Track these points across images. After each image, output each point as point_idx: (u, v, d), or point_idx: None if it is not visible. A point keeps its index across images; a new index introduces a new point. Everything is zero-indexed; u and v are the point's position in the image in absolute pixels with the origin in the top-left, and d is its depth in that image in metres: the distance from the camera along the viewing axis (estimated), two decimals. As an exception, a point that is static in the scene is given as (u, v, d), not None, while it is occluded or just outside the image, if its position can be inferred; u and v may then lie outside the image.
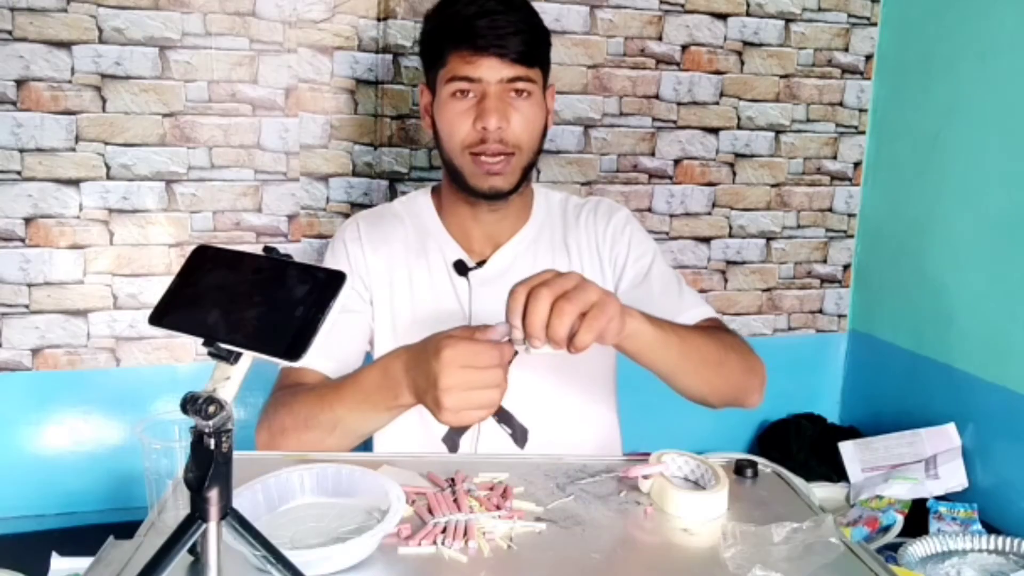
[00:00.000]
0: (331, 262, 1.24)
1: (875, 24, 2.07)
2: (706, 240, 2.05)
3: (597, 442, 1.25)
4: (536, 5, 1.80)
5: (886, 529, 1.62)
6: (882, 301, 2.10)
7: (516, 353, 0.90)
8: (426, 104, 1.21)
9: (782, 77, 2.03)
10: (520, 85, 1.12)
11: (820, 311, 2.18)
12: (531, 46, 1.13)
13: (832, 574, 0.77)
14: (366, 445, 1.76)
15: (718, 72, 1.98)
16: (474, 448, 1.19)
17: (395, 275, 1.22)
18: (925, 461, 1.78)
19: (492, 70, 1.10)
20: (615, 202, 1.34)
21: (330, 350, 1.14)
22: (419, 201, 1.29)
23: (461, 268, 1.22)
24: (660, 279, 1.26)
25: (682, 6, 1.92)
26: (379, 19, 1.73)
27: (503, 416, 1.19)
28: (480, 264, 1.22)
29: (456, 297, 1.21)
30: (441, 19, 1.14)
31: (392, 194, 1.75)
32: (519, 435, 1.20)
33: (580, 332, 0.85)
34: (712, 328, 1.16)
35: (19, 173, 1.57)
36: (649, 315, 0.98)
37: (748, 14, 1.97)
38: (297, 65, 1.70)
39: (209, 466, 0.52)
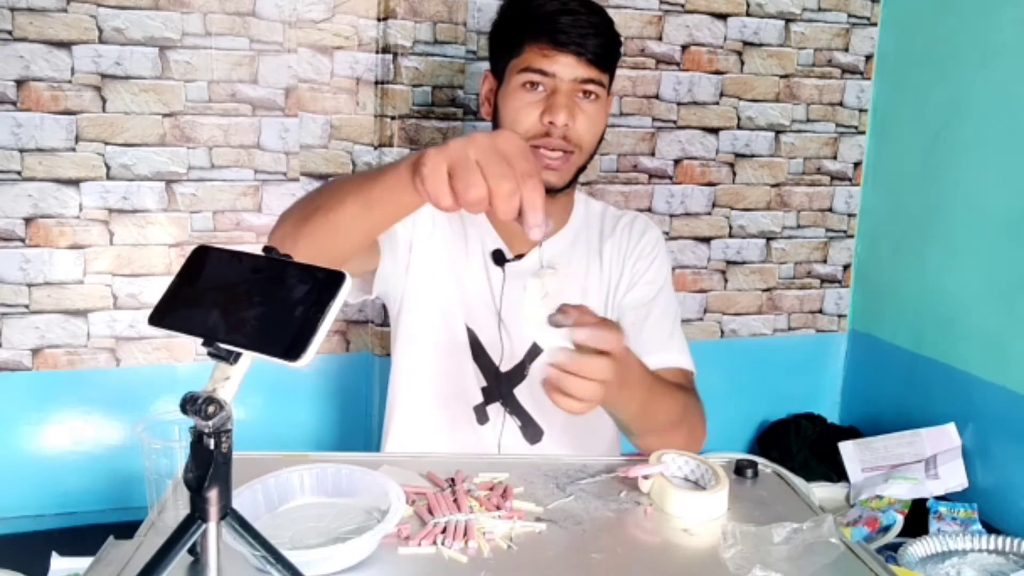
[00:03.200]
0: None
1: (875, 24, 2.07)
2: (706, 240, 2.05)
3: (603, 451, 1.27)
4: (536, 5, 1.81)
5: (886, 529, 1.62)
6: (882, 301, 2.10)
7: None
8: (488, 91, 1.22)
9: (782, 77, 2.03)
10: (590, 87, 1.13)
11: (820, 311, 2.18)
12: (607, 49, 1.14)
13: (832, 574, 0.77)
14: (365, 443, 1.76)
15: (718, 72, 1.98)
16: (500, 429, 1.21)
17: (435, 249, 1.22)
18: (925, 461, 1.78)
19: (568, 68, 1.11)
20: (651, 221, 1.35)
21: None
22: None
23: (499, 258, 1.22)
24: (660, 312, 1.27)
25: (682, 6, 1.92)
26: (379, 19, 1.73)
27: (515, 408, 1.20)
28: (518, 257, 1.23)
29: (489, 285, 1.22)
30: (521, 10, 1.15)
31: (392, 194, 1.75)
32: (531, 432, 1.21)
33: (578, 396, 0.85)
34: (680, 391, 1.14)
35: (19, 173, 1.57)
36: (635, 379, 0.97)
37: (748, 14, 1.97)
38: (297, 65, 1.70)
39: (209, 466, 0.52)
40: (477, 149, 0.73)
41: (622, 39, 1.19)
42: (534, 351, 1.21)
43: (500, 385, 1.21)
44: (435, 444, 1.19)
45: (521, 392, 1.21)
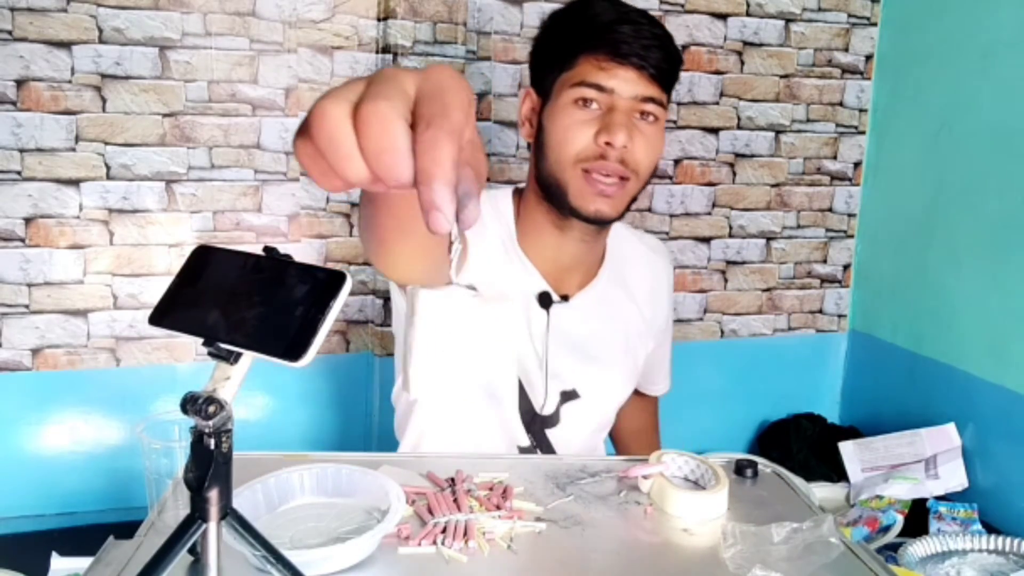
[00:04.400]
0: None
1: (875, 24, 2.07)
2: (706, 240, 2.05)
3: None
4: (536, 5, 1.82)
5: (886, 529, 1.62)
6: (882, 301, 2.10)
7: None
8: (529, 110, 1.11)
9: (782, 77, 2.03)
10: (650, 107, 1.03)
11: (820, 311, 2.18)
12: (670, 64, 1.04)
13: (832, 574, 0.77)
14: (365, 443, 1.76)
15: (718, 72, 1.98)
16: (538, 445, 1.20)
17: (487, 272, 1.10)
18: (925, 461, 1.78)
19: (628, 83, 1.01)
20: (665, 249, 1.33)
21: None
22: (501, 204, 1.15)
23: (545, 300, 1.12)
24: (667, 344, 1.35)
25: (682, 6, 1.92)
26: (379, 19, 1.73)
27: (547, 449, 1.19)
28: (564, 298, 1.14)
29: (529, 326, 1.13)
30: (573, 21, 1.05)
31: (392, 194, 1.75)
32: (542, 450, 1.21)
33: None
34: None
35: (19, 173, 1.57)
36: None
37: (748, 14, 1.97)
38: (297, 65, 1.70)
39: (209, 466, 0.52)
40: (381, 74, 0.44)
41: (683, 57, 1.09)
42: (571, 395, 1.19)
43: (534, 425, 1.18)
44: None
45: (553, 434, 1.19)
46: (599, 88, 1.01)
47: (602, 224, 1.09)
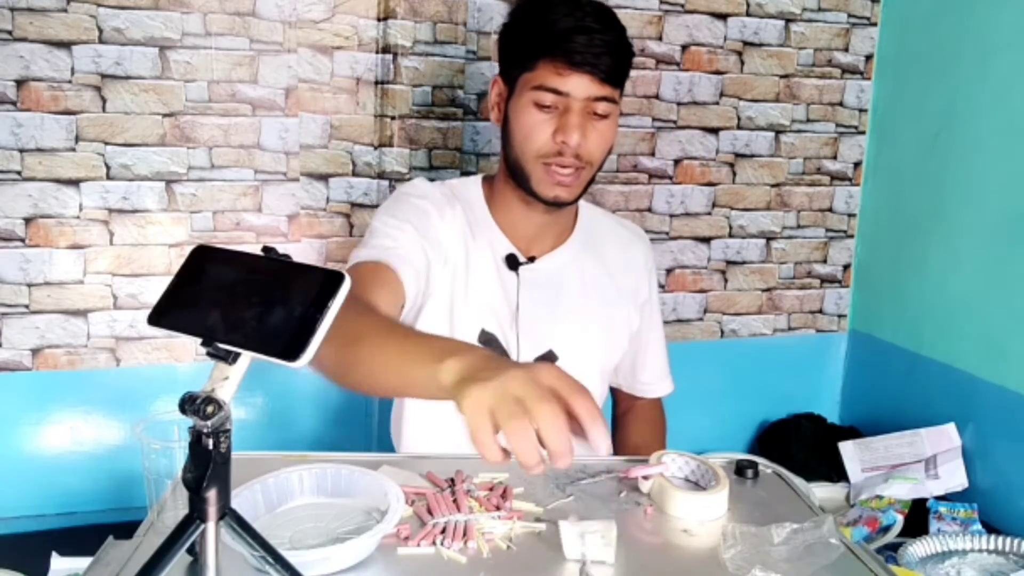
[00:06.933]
0: (405, 212, 1.21)
1: (875, 24, 2.07)
2: (706, 240, 2.04)
3: None
4: (536, 5, 1.81)
5: (886, 529, 1.62)
6: (882, 301, 2.10)
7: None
8: (497, 96, 1.23)
9: (782, 77, 2.03)
10: (602, 106, 1.15)
11: (820, 311, 2.18)
12: (620, 66, 1.16)
13: (832, 575, 0.77)
14: (365, 443, 1.76)
15: (718, 72, 1.98)
16: None
17: (454, 255, 1.23)
18: (925, 461, 1.78)
19: (581, 87, 1.13)
20: (644, 235, 1.42)
21: (405, 253, 1.16)
22: (471, 189, 1.30)
23: (512, 262, 1.25)
24: (656, 339, 1.41)
25: (682, 6, 1.92)
26: (379, 19, 1.73)
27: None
28: (531, 260, 1.25)
29: (503, 289, 1.24)
30: (535, 23, 1.15)
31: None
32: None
33: None
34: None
35: (19, 173, 1.57)
36: None
37: (748, 14, 1.97)
38: (297, 65, 1.70)
39: (207, 466, 0.52)
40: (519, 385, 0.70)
41: (635, 51, 1.20)
42: (548, 357, 1.24)
43: None
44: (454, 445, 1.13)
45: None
46: (556, 92, 1.13)
47: (561, 206, 1.23)
